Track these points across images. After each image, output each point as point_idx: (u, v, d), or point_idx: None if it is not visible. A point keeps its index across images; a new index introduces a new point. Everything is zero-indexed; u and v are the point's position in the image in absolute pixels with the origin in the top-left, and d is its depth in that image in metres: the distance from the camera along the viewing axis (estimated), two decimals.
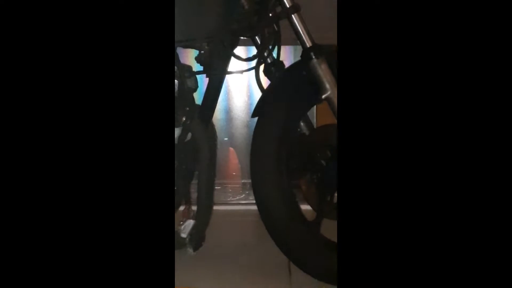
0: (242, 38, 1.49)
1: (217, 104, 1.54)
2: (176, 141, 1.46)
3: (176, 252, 1.46)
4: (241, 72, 1.51)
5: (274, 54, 1.51)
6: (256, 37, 1.49)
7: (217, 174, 2.21)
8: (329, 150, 1.46)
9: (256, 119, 1.51)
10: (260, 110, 1.49)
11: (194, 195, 1.51)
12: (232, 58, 1.48)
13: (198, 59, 1.45)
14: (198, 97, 1.51)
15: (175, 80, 1.41)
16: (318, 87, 1.40)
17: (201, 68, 1.46)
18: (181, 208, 1.51)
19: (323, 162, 1.47)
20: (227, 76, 1.55)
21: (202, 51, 1.44)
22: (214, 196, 2.09)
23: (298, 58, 1.46)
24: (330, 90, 1.38)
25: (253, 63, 1.51)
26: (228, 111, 2.28)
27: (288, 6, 1.41)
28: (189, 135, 1.47)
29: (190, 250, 1.48)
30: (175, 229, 1.46)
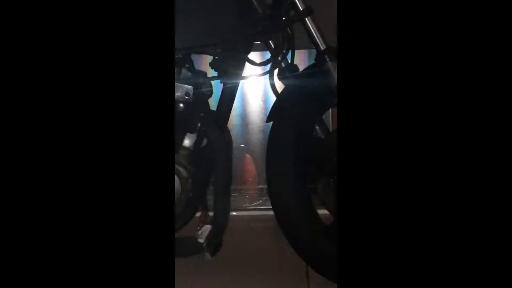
0: (256, 43, 1.50)
1: (233, 110, 1.53)
2: (191, 147, 1.46)
3: (194, 258, 1.48)
4: (255, 77, 1.51)
5: (289, 58, 1.51)
6: (270, 42, 1.49)
7: (233, 180, 2.23)
8: None
9: (271, 124, 1.51)
10: (274, 114, 1.49)
11: (211, 201, 1.51)
12: (247, 63, 1.48)
13: (212, 65, 1.45)
14: (214, 103, 1.51)
15: (190, 86, 1.42)
16: (333, 90, 1.39)
17: (215, 74, 1.46)
18: (198, 214, 1.51)
19: None
20: (243, 81, 1.55)
21: (216, 57, 1.44)
22: (231, 202, 2.10)
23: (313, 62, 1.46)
24: None
25: (268, 67, 1.51)
26: (244, 117, 2.28)
27: (301, 9, 1.41)
28: (205, 141, 1.48)
29: (207, 255, 1.48)
30: (193, 235, 1.47)
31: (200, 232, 1.47)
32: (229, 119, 1.53)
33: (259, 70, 1.52)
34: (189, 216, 1.50)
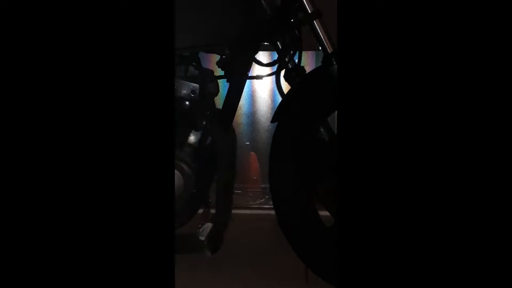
0: (264, 43, 1.50)
1: (240, 109, 1.54)
2: (196, 145, 1.47)
3: (194, 255, 1.49)
4: (262, 77, 1.52)
5: (296, 59, 1.51)
6: (278, 43, 1.50)
7: (238, 178, 2.24)
8: None
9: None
10: (279, 115, 1.49)
11: (213, 199, 1.52)
12: (254, 63, 1.49)
13: (219, 64, 1.46)
14: (220, 101, 1.52)
15: (197, 84, 1.42)
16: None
17: (222, 73, 1.47)
18: (200, 211, 1.52)
19: None
20: (252, 81, 1.55)
21: (224, 56, 1.45)
22: (235, 200, 2.11)
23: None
24: None
25: (275, 68, 1.51)
26: (250, 116, 2.29)
27: (310, 12, 1.41)
28: (209, 139, 1.48)
29: (207, 253, 1.48)
30: (194, 232, 1.47)
31: (201, 229, 1.48)
32: (236, 117, 1.53)
33: (266, 70, 1.53)
34: (191, 213, 1.50)
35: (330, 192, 1.50)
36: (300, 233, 1.51)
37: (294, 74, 1.50)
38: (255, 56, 1.49)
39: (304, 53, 1.55)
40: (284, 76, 1.52)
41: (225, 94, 1.50)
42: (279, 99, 1.53)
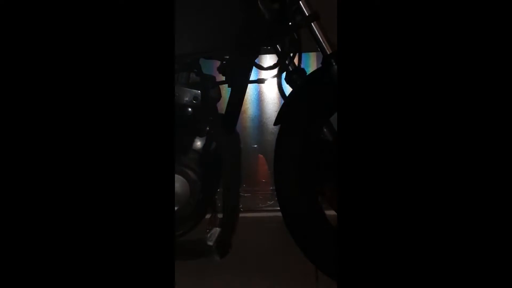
0: (264, 48, 1.52)
1: (247, 112, 1.55)
2: (200, 151, 1.48)
3: (203, 260, 1.50)
4: (263, 81, 1.53)
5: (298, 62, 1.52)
6: (277, 46, 1.51)
7: (246, 181, 2.25)
8: None
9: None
10: (282, 117, 1.50)
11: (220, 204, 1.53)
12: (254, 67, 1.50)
13: (220, 70, 1.47)
14: (222, 106, 1.53)
15: (198, 91, 1.44)
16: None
17: (223, 78, 1.48)
18: (207, 216, 1.53)
19: None
20: (259, 84, 1.56)
21: (224, 61, 1.46)
22: (244, 203, 2.12)
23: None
24: None
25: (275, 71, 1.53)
26: (258, 119, 2.30)
27: (307, 14, 1.42)
28: (214, 144, 1.49)
29: (216, 258, 1.49)
30: (202, 237, 1.49)
31: (209, 234, 1.49)
32: (244, 121, 1.54)
33: (268, 73, 1.54)
34: (198, 219, 1.51)
35: (335, 191, 1.51)
36: (307, 234, 1.52)
37: (295, 77, 1.51)
38: (255, 60, 1.49)
39: (310, 55, 1.56)
40: (285, 79, 1.53)
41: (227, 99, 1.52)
42: None
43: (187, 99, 1.43)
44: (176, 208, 1.46)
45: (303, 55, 1.54)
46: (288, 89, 1.53)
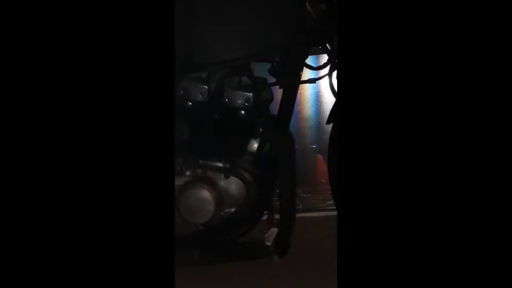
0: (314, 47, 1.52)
1: (303, 112, 1.55)
2: (255, 152, 1.50)
3: (262, 260, 1.52)
4: (314, 80, 1.54)
5: None
6: (327, 45, 1.51)
7: (305, 181, 2.25)
8: None
9: None
10: (334, 116, 1.50)
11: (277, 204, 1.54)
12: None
13: (271, 72, 1.49)
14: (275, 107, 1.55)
15: (250, 93, 1.45)
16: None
17: (274, 80, 1.50)
18: (265, 217, 1.55)
19: None
20: (318, 83, 1.56)
21: (275, 64, 1.48)
22: (303, 204, 2.12)
23: None
24: None
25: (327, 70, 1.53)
26: (314, 119, 2.30)
27: None
28: (268, 145, 1.51)
29: (276, 258, 1.50)
30: (260, 238, 1.50)
31: (266, 235, 1.50)
32: (301, 121, 1.54)
33: (319, 73, 1.55)
34: (255, 220, 1.53)
35: None
36: None
37: None
38: (305, 61, 1.50)
39: None
40: (337, 78, 1.53)
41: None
42: None
43: (239, 101, 1.45)
44: (233, 210, 1.48)
45: None
46: None
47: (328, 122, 1.52)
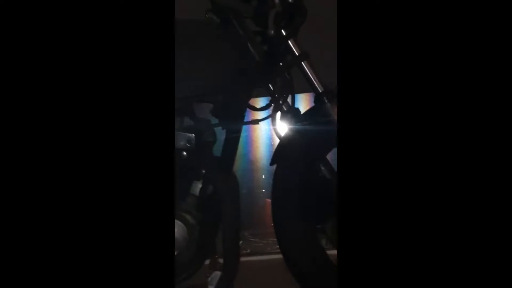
0: (257, 89, 1.52)
1: (256, 154, 1.54)
2: (198, 194, 1.48)
3: None
4: (258, 121, 1.53)
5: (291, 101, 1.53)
6: (270, 86, 1.52)
7: (253, 225, 2.23)
8: None
9: None
10: (277, 158, 1.50)
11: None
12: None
13: (213, 112, 1.48)
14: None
15: (192, 134, 1.44)
16: (334, 131, 1.40)
17: (217, 121, 1.49)
18: (208, 260, 1.52)
19: None
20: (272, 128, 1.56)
21: (217, 104, 1.47)
22: (251, 247, 2.09)
23: None
24: None
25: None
26: (264, 161, 2.29)
27: (297, 54, 1.43)
28: (211, 187, 1.49)
29: None
30: (203, 282, 1.47)
31: (209, 278, 1.47)
32: (251, 164, 1.53)
33: (263, 114, 1.55)
34: (198, 264, 1.50)
35: (336, 229, 1.49)
36: (309, 275, 1.49)
37: (289, 116, 1.51)
38: (249, 102, 1.50)
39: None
40: (281, 119, 1.53)
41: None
42: None
43: (181, 143, 1.43)
44: (175, 253, 1.45)
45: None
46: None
47: (272, 163, 1.51)
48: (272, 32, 1.41)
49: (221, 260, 1.49)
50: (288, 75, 1.49)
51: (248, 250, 2.23)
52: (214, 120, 1.50)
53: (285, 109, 1.52)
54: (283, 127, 1.53)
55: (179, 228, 1.45)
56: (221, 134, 1.51)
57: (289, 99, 1.51)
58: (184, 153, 1.44)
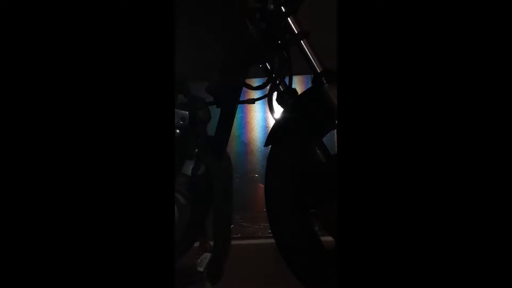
0: (255, 68, 1.49)
1: (246, 135, 1.52)
2: (190, 174, 1.44)
3: (194, 287, 1.45)
4: (254, 101, 1.50)
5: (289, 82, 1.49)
6: (268, 65, 1.48)
7: (246, 209, 2.21)
8: None
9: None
10: (273, 139, 1.47)
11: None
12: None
13: (208, 90, 1.44)
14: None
15: (186, 112, 1.40)
16: (332, 112, 1.37)
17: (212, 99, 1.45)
18: (198, 242, 1.49)
19: None
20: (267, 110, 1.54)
21: (213, 82, 1.43)
22: (243, 232, 2.07)
23: None
24: None
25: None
26: (259, 143, 2.26)
27: (296, 32, 1.40)
28: (203, 167, 1.45)
29: (207, 284, 1.44)
30: (192, 264, 1.44)
31: (199, 260, 1.44)
32: (243, 145, 1.50)
33: (259, 94, 1.51)
34: (188, 244, 1.47)
35: (330, 214, 1.46)
36: (301, 259, 1.47)
37: (286, 97, 1.48)
38: (245, 80, 1.46)
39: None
40: (277, 99, 1.50)
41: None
42: None
43: (175, 120, 1.39)
44: None
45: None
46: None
47: (266, 144, 1.48)
48: (272, 7, 1.37)
49: (211, 242, 1.46)
50: (286, 54, 1.45)
51: (239, 234, 2.21)
52: (209, 98, 1.46)
53: (281, 89, 1.49)
54: (279, 107, 1.50)
55: None
56: (215, 113, 1.47)
57: (286, 80, 1.47)
58: (177, 130, 1.40)
